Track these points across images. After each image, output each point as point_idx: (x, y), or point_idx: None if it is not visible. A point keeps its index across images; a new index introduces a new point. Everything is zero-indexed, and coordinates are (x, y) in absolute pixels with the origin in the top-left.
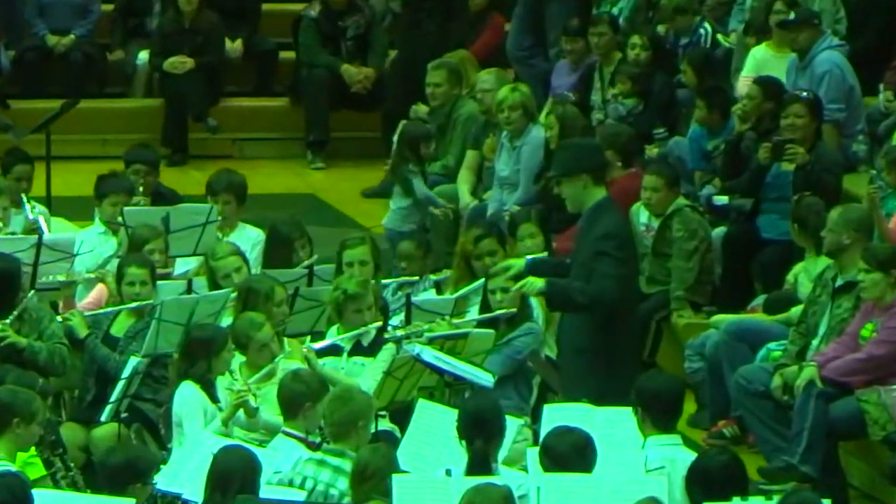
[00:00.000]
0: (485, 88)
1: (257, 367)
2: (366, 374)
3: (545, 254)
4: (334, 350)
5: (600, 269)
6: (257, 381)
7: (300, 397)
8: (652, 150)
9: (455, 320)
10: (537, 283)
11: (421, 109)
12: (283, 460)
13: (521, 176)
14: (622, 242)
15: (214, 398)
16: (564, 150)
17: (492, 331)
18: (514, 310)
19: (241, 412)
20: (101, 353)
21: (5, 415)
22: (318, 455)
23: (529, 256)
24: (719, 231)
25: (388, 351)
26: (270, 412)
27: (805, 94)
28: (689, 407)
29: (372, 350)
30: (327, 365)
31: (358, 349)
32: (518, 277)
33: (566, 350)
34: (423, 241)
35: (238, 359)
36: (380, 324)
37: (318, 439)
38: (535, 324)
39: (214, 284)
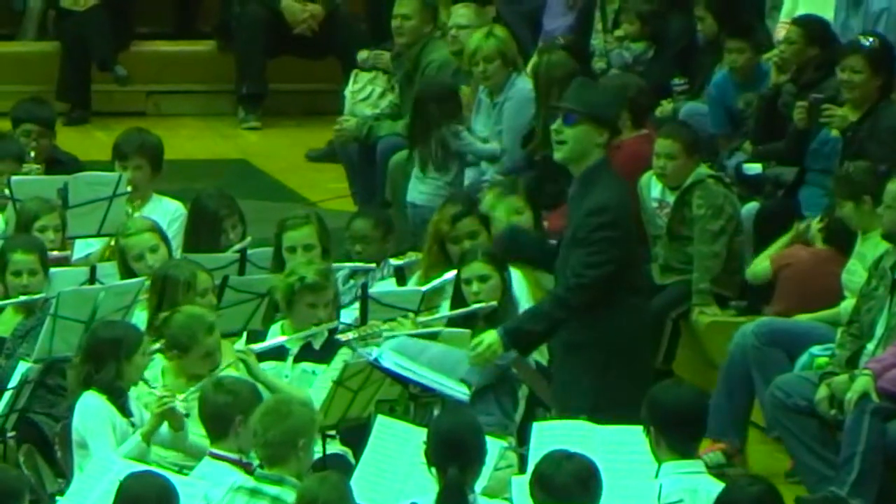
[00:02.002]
0: (460, 24)
1: (190, 375)
2: (317, 385)
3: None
4: (277, 353)
5: (586, 257)
6: (192, 395)
7: (228, 410)
8: (666, 107)
9: (422, 318)
10: (494, 344)
11: (363, 55)
12: (212, 490)
13: (504, 138)
14: (616, 219)
15: (125, 411)
16: (594, 90)
17: (468, 330)
18: (494, 303)
19: (164, 427)
20: None
21: None
22: (251, 483)
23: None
24: (751, 207)
25: (343, 356)
26: (197, 433)
27: (869, 40)
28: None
29: (324, 354)
30: (268, 371)
31: (307, 353)
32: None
33: (558, 348)
34: (382, 219)
35: (157, 362)
36: (336, 323)
37: (255, 461)
38: None
39: (125, 268)
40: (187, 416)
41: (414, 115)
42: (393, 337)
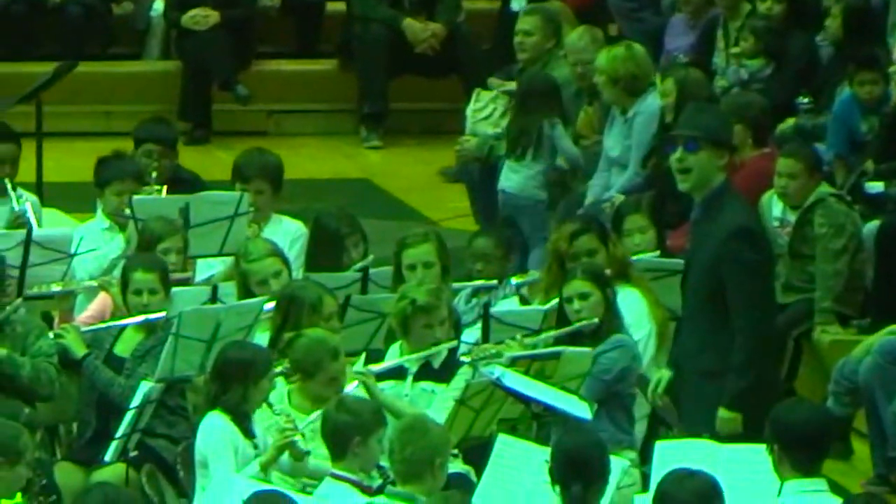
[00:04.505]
0: (584, 60)
1: (315, 397)
2: (436, 404)
3: (657, 253)
4: (397, 373)
5: (745, 286)
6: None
7: (348, 430)
8: (786, 124)
9: (528, 339)
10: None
11: (495, 83)
12: None
13: (632, 154)
14: (760, 238)
15: (249, 434)
16: (710, 112)
17: (590, 349)
18: (596, 320)
19: (285, 454)
20: (102, 377)
21: None
22: (381, 500)
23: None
24: (872, 226)
25: (463, 375)
26: (321, 455)
27: None
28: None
29: (444, 374)
30: (387, 391)
31: (426, 372)
32: None
33: (689, 374)
34: (503, 238)
35: (281, 384)
36: (455, 342)
37: (375, 483)
38: (626, 335)
39: (247, 292)
40: (308, 453)
41: (517, 106)
42: (514, 356)
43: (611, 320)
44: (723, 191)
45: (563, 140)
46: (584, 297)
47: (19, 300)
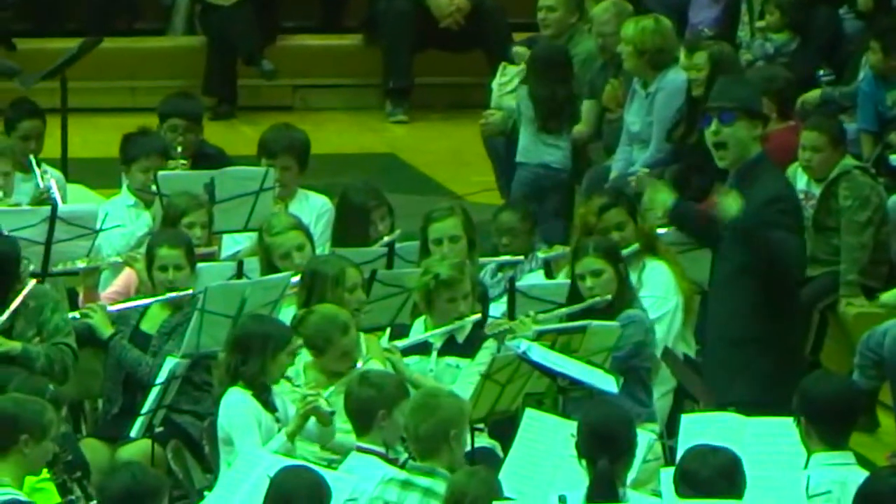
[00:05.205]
0: (605, 32)
1: (330, 372)
2: (461, 379)
3: None
4: (421, 348)
5: (776, 237)
6: (336, 392)
7: (372, 404)
8: (811, 95)
9: (541, 315)
10: (735, 205)
11: (522, 52)
12: (361, 483)
13: (654, 129)
14: (794, 208)
15: (270, 406)
16: (743, 84)
17: (616, 323)
18: (609, 297)
19: (311, 422)
20: (129, 357)
21: (10, 431)
22: (404, 475)
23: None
24: None
25: (488, 350)
26: (341, 429)
27: None
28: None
29: (468, 348)
30: (412, 367)
31: (451, 347)
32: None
33: (717, 342)
34: (528, 212)
35: (301, 357)
36: (478, 316)
37: (402, 456)
38: (638, 310)
39: (270, 266)
40: (333, 413)
41: (531, 76)
42: (539, 330)
43: (623, 296)
44: (758, 161)
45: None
46: (596, 273)
47: (32, 282)
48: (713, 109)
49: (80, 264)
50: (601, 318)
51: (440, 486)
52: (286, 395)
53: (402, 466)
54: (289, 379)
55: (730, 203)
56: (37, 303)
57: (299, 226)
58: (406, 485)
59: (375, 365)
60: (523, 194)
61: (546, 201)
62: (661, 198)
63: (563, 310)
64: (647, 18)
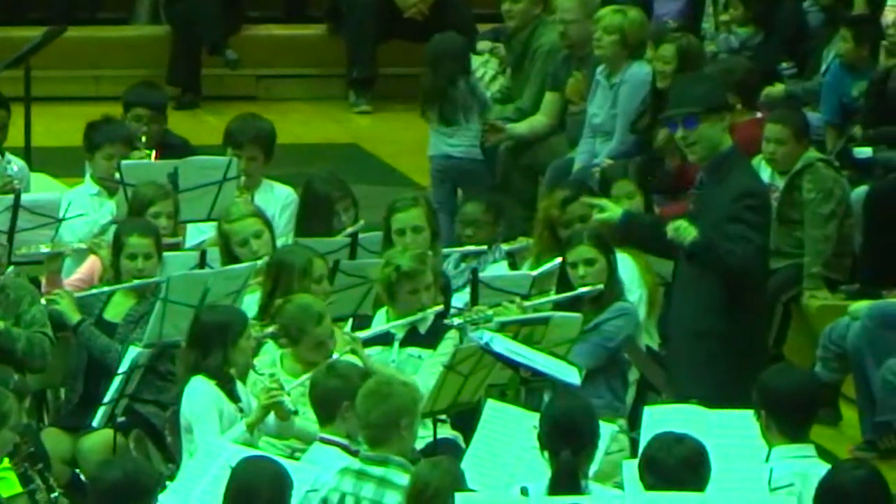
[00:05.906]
0: (567, 19)
1: (306, 362)
2: (423, 370)
3: None
4: (383, 339)
5: (742, 234)
6: (303, 383)
7: (337, 395)
8: (774, 89)
9: (527, 302)
10: (690, 231)
11: (482, 45)
12: (323, 474)
13: (617, 121)
14: (763, 203)
15: (234, 397)
16: (699, 83)
17: (579, 315)
18: (601, 287)
19: (271, 415)
20: (98, 344)
21: None
22: (357, 465)
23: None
24: (860, 191)
25: (450, 340)
26: (308, 418)
27: None
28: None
29: (430, 339)
30: (374, 357)
31: (413, 338)
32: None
33: (680, 336)
34: (493, 203)
35: (272, 347)
36: (440, 308)
37: (363, 447)
38: (628, 303)
39: (229, 253)
40: (296, 412)
41: (433, 70)
42: (503, 320)
43: (613, 287)
44: (729, 154)
45: (484, 94)
46: (589, 262)
47: (11, 268)
48: (677, 115)
49: (44, 249)
50: (589, 309)
51: (394, 475)
52: (252, 385)
53: None
54: (254, 368)
55: (685, 228)
56: (15, 294)
57: (257, 213)
58: (360, 475)
59: (347, 357)
60: (439, 183)
61: (464, 189)
62: (608, 215)
63: (552, 297)
64: (633, 10)
